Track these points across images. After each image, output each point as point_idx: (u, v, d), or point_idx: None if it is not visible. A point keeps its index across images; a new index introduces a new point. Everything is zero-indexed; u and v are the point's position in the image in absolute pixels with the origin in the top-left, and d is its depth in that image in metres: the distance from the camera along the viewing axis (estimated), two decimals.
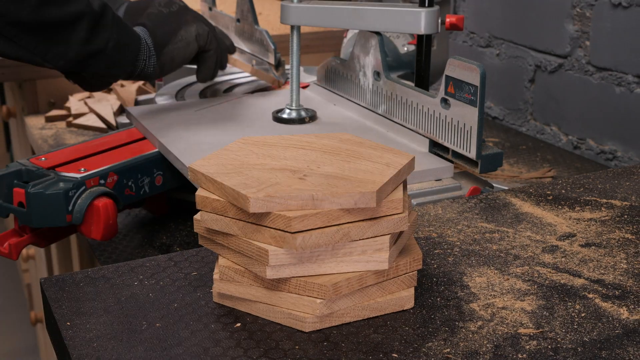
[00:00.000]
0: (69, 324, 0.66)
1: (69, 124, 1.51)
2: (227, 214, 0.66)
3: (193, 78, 1.44)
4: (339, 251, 0.65)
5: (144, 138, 1.11)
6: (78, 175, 0.95)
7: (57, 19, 0.95)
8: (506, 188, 1.02)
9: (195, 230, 0.70)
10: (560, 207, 0.90)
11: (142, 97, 1.47)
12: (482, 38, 1.67)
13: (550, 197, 0.92)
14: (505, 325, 0.66)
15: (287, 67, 1.37)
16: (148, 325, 0.66)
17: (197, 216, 0.69)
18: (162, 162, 1.05)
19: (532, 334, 0.65)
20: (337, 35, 1.78)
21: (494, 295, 0.71)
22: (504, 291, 0.71)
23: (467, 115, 0.94)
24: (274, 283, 0.66)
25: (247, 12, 1.35)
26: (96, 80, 1.05)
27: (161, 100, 1.35)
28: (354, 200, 0.63)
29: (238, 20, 1.39)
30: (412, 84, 1.07)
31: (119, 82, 1.61)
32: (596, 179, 0.98)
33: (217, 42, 1.21)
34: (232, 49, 1.33)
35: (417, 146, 1.04)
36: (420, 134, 1.04)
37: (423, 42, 1.08)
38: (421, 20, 1.04)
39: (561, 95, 1.48)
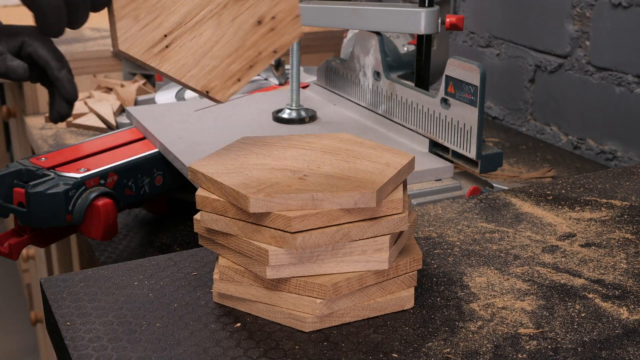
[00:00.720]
0: (69, 324, 0.66)
1: (69, 124, 1.51)
2: (227, 214, 0.66)
3: None
4: (339, 251, 0.65)
5: (144, 138, 1.11)
6: (78, 175, 0.95)
7: None
8: (506, 188, 1.02)
9: (195, 230, 0.70)
10: (560, 207, 0.89)
11: (142, 97, 1.47)
12: (482, 38, 1.67)
13: (550, 197, 0.92)
14: (505, 325, 0.66)
15: (287, 67, 1.37)
16: (148, 325, 0.66)
17: (197, 216, 0.69)
18: (162, 162, 1.05)
19: (532, 334, 0.65)
20: (337, 35, 1.78)
21: (494, 295, 0.71)
22: (504, 291, 0.71)
23: (467, 115, 0.94)
24: (274, 283, 0.66)
25: None
26: None
27: (161, 100, 1.36)
28: (354, 200, 0.63)
29: None
30: (412, 84, 1.07)
31: (119, 82, 1.61)
32: (596, 179, 0.98)
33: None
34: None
35: (417, 146, 1.04)
36: (420, 134, 1.04)
37: (423, 42, 1.08)
38: (421, 20, 1.04)
39: (561, 95, 1.48)
